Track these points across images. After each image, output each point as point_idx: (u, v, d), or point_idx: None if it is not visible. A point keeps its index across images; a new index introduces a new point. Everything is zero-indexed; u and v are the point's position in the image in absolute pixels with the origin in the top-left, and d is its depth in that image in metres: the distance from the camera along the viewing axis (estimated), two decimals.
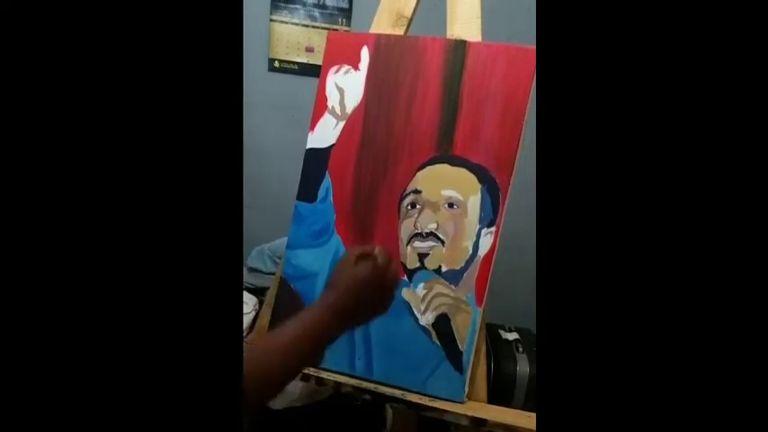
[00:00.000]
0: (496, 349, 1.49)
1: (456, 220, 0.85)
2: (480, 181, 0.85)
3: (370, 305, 0.68)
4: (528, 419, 0.78)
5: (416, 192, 0.88)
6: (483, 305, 0.83)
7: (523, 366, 1.43)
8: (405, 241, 0.88)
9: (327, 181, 0.93)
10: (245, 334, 1.30)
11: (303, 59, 1.83)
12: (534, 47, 0.79)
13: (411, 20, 0.94)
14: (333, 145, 0.94)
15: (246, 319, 1.34)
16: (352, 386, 0.85)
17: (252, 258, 1.65)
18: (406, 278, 0.87)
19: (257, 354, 0.58)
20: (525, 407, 1.36)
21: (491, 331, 1.55)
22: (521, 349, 1.48)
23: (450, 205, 0.86)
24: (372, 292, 0.66)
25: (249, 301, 1.42)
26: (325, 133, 0.95)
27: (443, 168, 0.87)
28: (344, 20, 1.80)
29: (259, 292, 1.53)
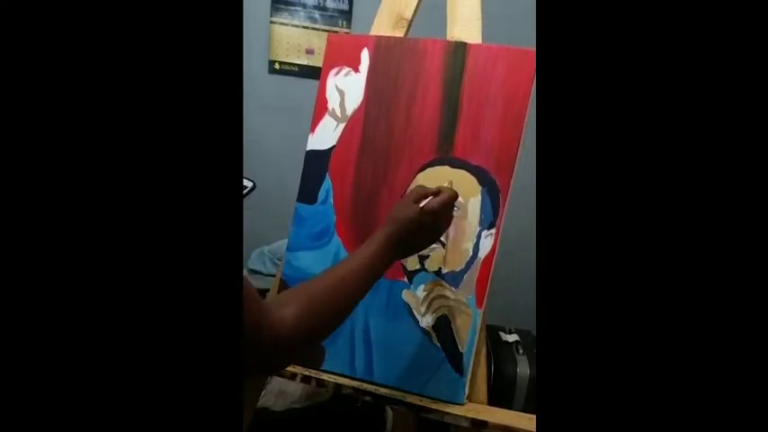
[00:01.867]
0: (497, 351, 1.49)
1: (456, 221, 0.85)
2: (480, 183, 0.85)
3: (424, 240, 0.74)
4: (528, 421, 0.78)
5: None
6: (483, 307, 0.83)
7: (524, 368, 1.43)
8: None
9: (328, 183, 0.93)
10: None
11: (303, 61, 1.84)
12: (534, 49, 0.79)
13: (411, 22, 0.94)
14: (333, 147, 0.94)
15: None
16: (353, 388, 0.85)
17: (252, 260, 1.65)
18: (405, 280, 0.87)
19: (314, 289, 0.59)
20: (525, 409, 1.36)
21: (491, 333, 1.55)
22: (521, 351, 1.48)
23: None
24: (426, 229, 0.71)
25: None
26: (325, 135, 0.95)
27: (444, 170, 0.87)
28: (345, 22, 1.81)
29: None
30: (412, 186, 0.88)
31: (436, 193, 0.73)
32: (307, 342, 0.58)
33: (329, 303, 0.59)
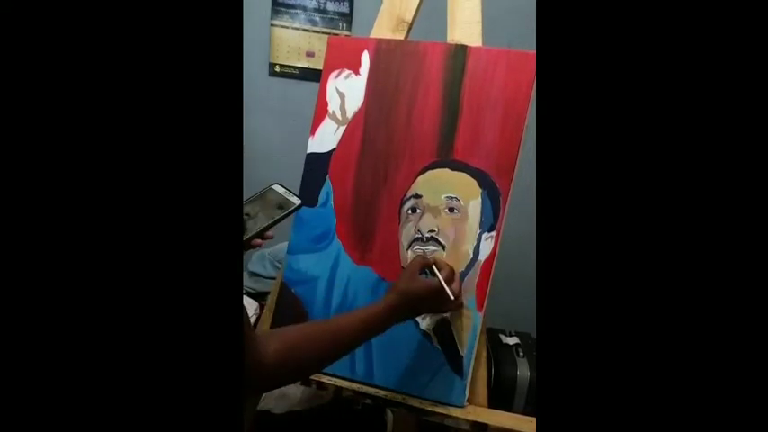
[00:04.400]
0: (497, 354, 1.49)
1: (456, 224, 0.85)
2: (481, 186, 0.85)
3: (425, 309, 0.79)
4: (528, 424, 0.78)
5: (417, 196, 0.88)
6: (483, 309, 0.83)
7: (524, 371, 1.43)
8: (405, 246, 0.88)
9: (328, 185, 0.93)
10: None
11: (304, 64, 1.84)
12: (534, 52, 0.79)
13: (411, 25, 0.94)
14: (333, 149, 0.94)
15: None
16: (353, 390, 0.85)
17: (253, 263, 1.65)
18: None
19: (301, 333, 0.64)
20: (525, 411, 1.36)
21: (491, 336, 1.55)
22: (521, 354, 1.48)
23: (451, 210, 0.86)
24: (429, 301, 0.76)
25: (250, 306, 1.42)
26: (325, 138, 0.95)
27: (444, 173, 0.87)
28: (345, 24, 1.81)
29: (260, 297, 1.53)
30: (411, 191, 0.88)
31: (435, 264, 0.79)
32: (284, 379, 0.63)
33: (312, 350, 0.63)
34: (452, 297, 0.75)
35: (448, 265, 0.80)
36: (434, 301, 0.75)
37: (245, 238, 0.66)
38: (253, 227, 0.67)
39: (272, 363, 0.57)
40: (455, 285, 0.78)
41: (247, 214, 0.69)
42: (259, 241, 0.70)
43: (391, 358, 0.86)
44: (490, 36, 0.89)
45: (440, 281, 0.75)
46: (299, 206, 0.71)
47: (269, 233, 0.69)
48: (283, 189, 0.74)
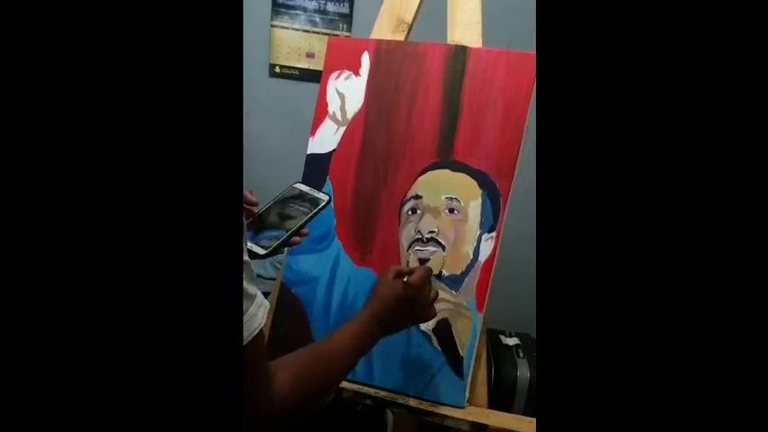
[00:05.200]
0: (497, 354, 1.49)
1: (456, 225, 0.85)
2: (481, 186, 0.85)
3: (409, 316, 0.74)
4: (528, 425, 0.78)
5: (417, 197, 0.88)
6: (483, 310, 0.83)
7: (524, 371, 1.43)
8: (405, 246, 0.88)
9: (328, 186, 0.93)
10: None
11: (304, 65, 1.84)
12: (534, 52, 0.80)
13: (411, 25, 0.94)
14: (333, 150, 0.94)
15: None
16: (353, 391, 0.85)
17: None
18: None
19: (303, 359, 0.60)
20: (526, 412, 1.36)
21: (492, 336, 1.55)
22: (521, 354, 1.48)
23: (451, 210, 0.86)
24: (411, 306, 0.72)
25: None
26: (325, 139, 0.95)
27: (444, 174, 0.87)
28: (345, 25, 1.81)
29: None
30: (412, 192, 0.88)
31: (412, 270, 0.75)
32: (297, 408, 0.57)
33: (317, 374, 0.60)
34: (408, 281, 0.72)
35: (422, 269, 0.75)
36: (414, 304, 0.72)
37: (285, 236, 0.66)
38: (289, 225, 0.67)
39: (286, 393, 0.53)
40: (430, 292, 0.74)
41: (279, 213, 0.69)
42: (298, 239, 0.70)
43: (391, 359, 0.86)
44: (490, 36, 0.89)
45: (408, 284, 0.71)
46: (329, 201, 0.71)
47: (304, 230, 0.70)
48: (307, 187, 0.74)
